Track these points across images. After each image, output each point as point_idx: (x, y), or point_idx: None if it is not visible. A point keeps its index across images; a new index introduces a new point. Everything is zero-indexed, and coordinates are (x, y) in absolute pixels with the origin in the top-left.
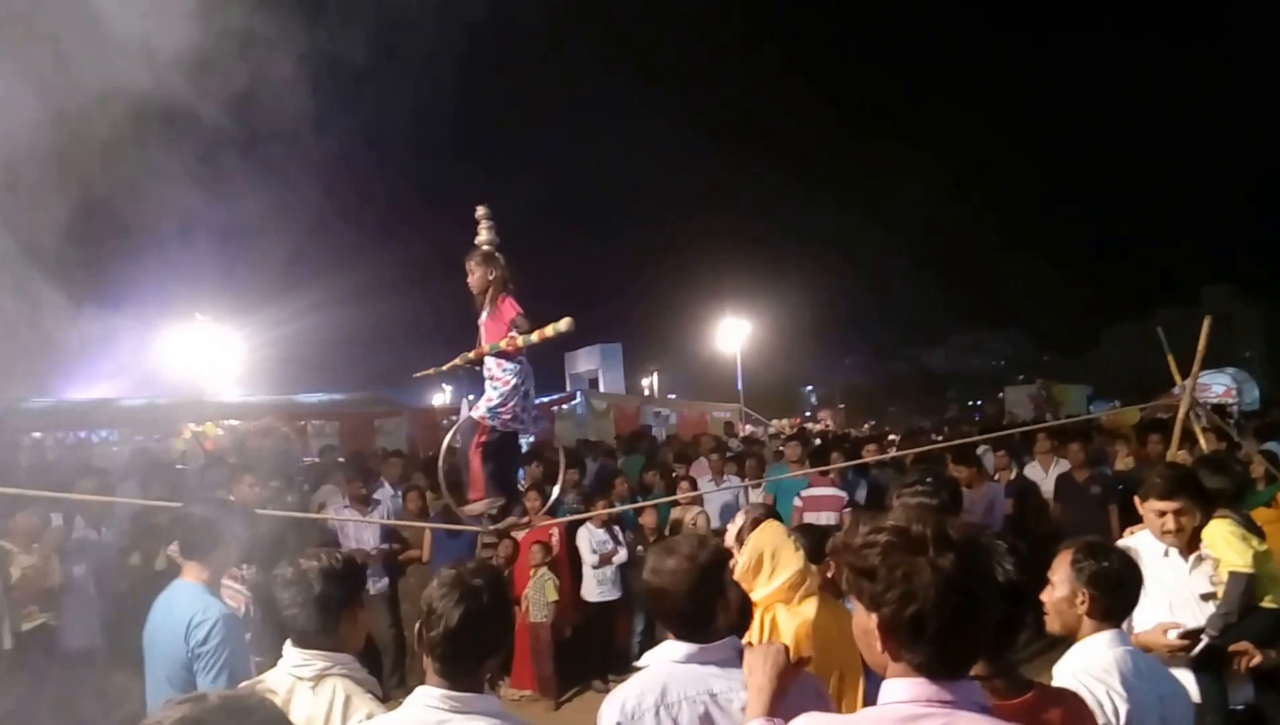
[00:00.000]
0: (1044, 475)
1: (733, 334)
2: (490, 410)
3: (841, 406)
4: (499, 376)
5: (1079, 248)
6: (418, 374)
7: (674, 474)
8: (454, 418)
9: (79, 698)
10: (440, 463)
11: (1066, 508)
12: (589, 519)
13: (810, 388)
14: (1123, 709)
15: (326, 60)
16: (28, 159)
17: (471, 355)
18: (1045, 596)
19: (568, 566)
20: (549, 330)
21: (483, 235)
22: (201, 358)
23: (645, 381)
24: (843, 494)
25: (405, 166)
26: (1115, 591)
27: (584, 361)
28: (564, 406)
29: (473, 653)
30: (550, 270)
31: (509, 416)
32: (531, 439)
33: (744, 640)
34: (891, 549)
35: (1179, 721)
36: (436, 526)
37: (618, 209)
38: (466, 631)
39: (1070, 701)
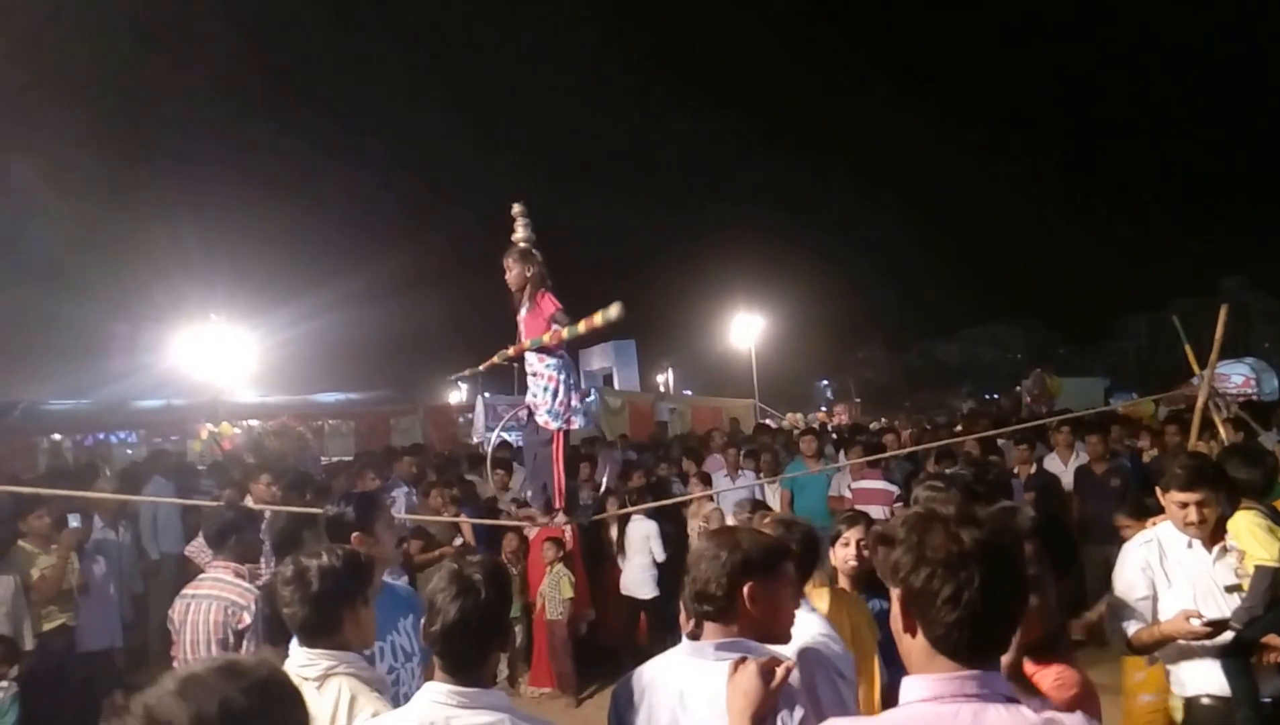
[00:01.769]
0: (1063, 468)
1: (746, 329)
2: (551, 413)
3: (857, 400)
4: (542, 372)
5: (1095, 240)
6: (454, 377)
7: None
8: (469, 416)
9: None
10: (489, 457)
11: (1085, 500)
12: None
13: (825, 382)
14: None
15: (344, 60)
16: (41, 162)
17: (511, 352)
18: None
19: (582, 562)
20: (597, 318)
21: (519, 232)
22: (217, 359)
23: (660, 378)
24: (893, 488)
25: (419, 168)
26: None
27: (598, 358)
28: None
29: (474, 647)
30: (562, 267)
31: (569, 413)
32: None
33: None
34: (915, 521)
35: None
36: (469, 521)
37: (630, 206)
38: (465, 626)
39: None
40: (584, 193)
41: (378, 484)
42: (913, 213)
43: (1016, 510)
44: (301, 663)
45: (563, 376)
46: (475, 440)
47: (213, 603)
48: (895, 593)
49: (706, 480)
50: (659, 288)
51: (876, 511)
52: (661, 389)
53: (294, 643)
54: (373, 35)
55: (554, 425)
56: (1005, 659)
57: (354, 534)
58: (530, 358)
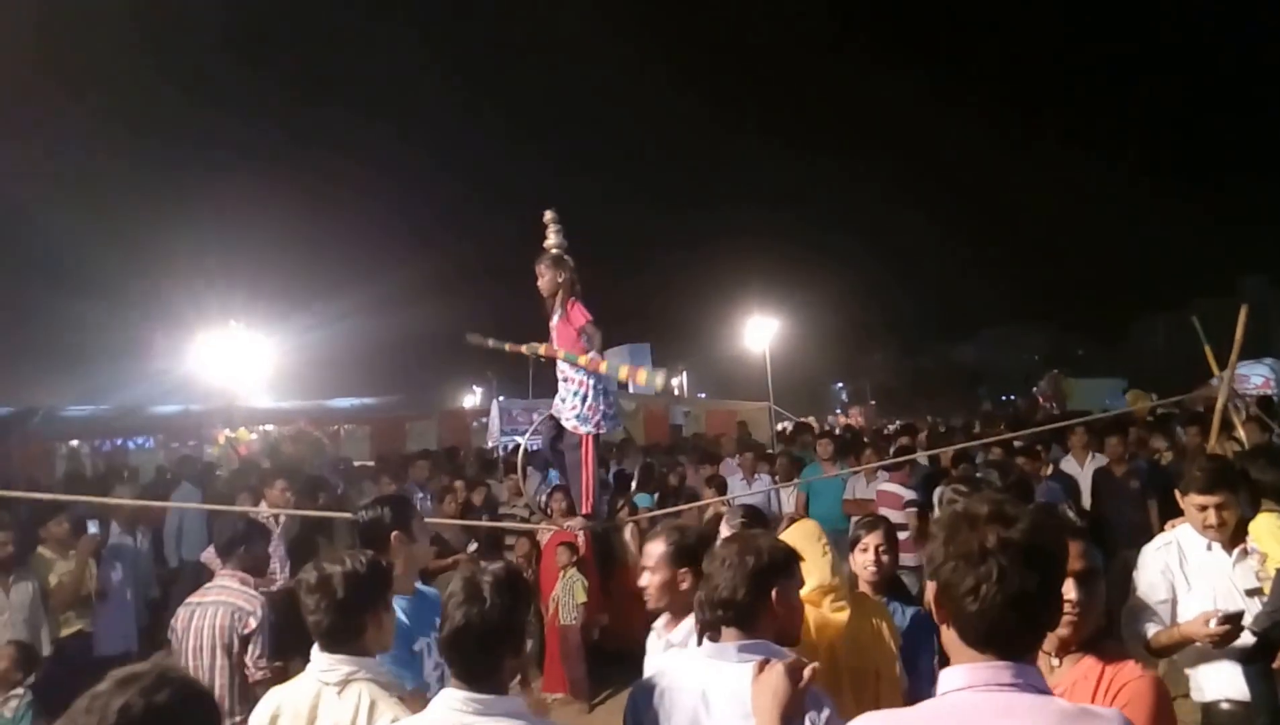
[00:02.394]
0: (1079, 469)
1: (760, 332)
2: (580, 418)
3: (872, 403)
4: (573, 377)
5: (1112, 239)
6: (471, 337)
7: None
8: (483, 420)
9: None
10: (519, 465)
11: (1105, 502)
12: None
13: (840, 385)
14: None
15: (363, 75)
16: (62, 171)
17: (542, 351)
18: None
19: (595, 567)
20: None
21: (551, 238)
22: (234, 365)
23: (674, 381)
24: (904, 493)
25: (435, 179)
26: None
27: (612, 362)
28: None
29: (480, 654)
30: (577, 271)
31: (599, 417)
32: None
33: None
34: (949, 518)
35: None
36: (493, 526)
37: (644, 209)
38: (470, 632)
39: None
40: (597, 195)
41: (393, 488)
42: (928, 215)
43: (1055, 508)
44: (323, 668)
45: (593, 382)
46: (490, 444)
47: (219, 608)
48: (930, 586)
49: (719, 485)
50: (672, 290)
51: (894, 516)
52: (675, 392)
53: (315, 648)
54: (390, 51)
55: (583, 429)
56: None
57: (393, 534)
58: (562, 364)
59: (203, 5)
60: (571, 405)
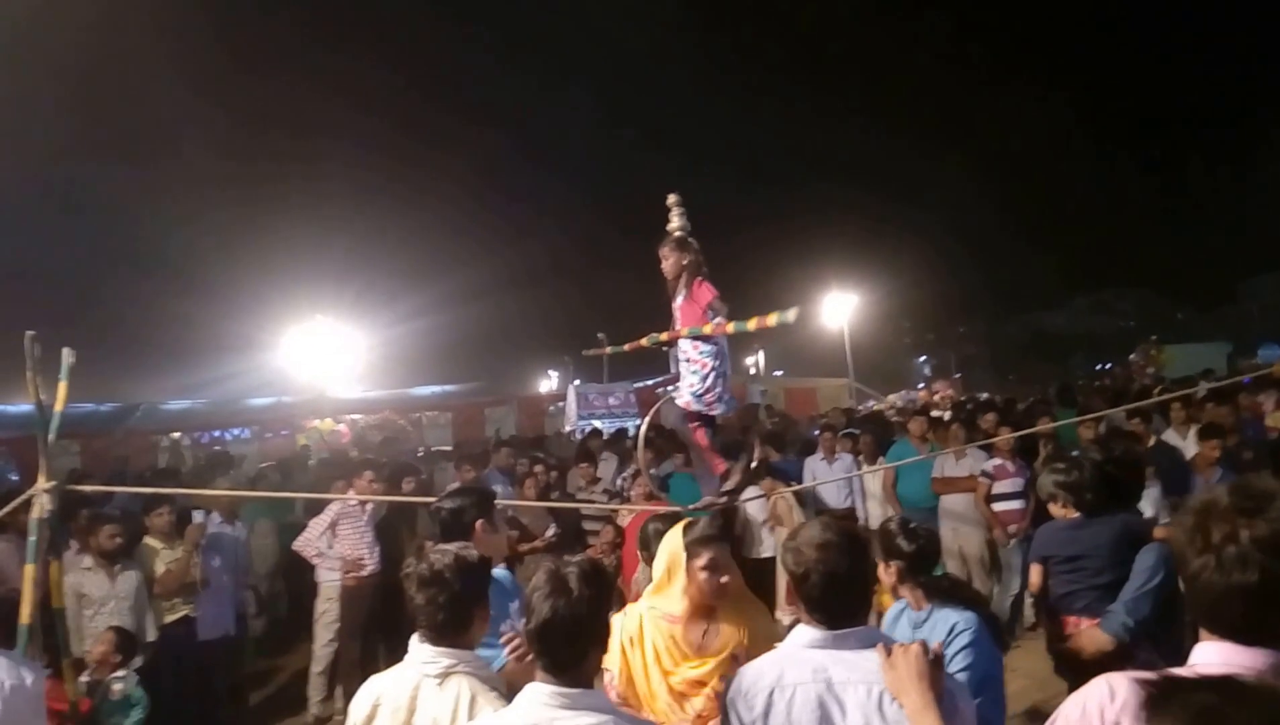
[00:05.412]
0: (1182, 441)
1: (839, 307)
2: (694, 396)
3: (958, 376)
4: (695, 358)
5: (1212, 196)
6: (589, 352)
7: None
8: (560, 404)
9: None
10: (640, 452)
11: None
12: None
13: (924, 358)
14: None
15: (452, 83)
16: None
17: (664, 337)
18: None
19: None
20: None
21: (675, 221)
22: (323, 357)
23: (749, 360)
24: (982, 479)
25: (515, 172)
26: None
27: (738, 324)
28: (668, 388)
29: (568, 646)
30: (652, 251)
31: (713, 399)
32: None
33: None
34: (1200, 507)
35: None
36: (578, 505)
37: (719, 185)
38: (558, 625)
39: None
40: (673, 174)
41: (473, 476)
42: (1014, 179)
43: None
44: (425, 659)
45: (716, 363)
46: (567, 429)
47: None
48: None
49: (773, 472)
50: (747, 267)
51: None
52: (752, 371)
53: (415, 638)
54: (483, 50)
55: (695, 407)
56: None
57: (477, 523)
58: (684, 344)
59: (301, 15)
60: (690, 383)
